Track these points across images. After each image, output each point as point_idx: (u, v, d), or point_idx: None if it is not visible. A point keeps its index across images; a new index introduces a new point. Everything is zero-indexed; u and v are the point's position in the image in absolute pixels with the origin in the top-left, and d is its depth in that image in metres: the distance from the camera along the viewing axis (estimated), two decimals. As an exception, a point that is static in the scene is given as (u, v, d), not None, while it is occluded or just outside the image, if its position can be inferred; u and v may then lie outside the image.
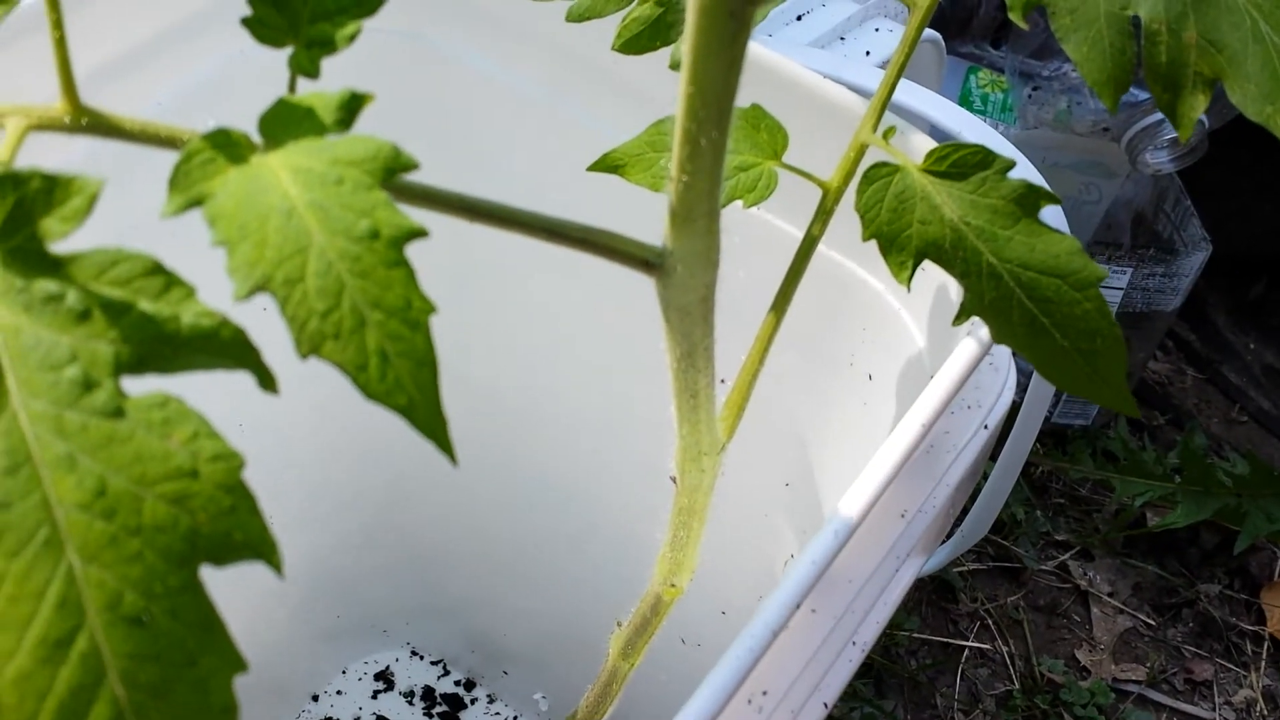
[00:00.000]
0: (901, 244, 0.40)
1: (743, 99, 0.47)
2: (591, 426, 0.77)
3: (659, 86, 0.60)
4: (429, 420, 0.27)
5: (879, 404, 0.58)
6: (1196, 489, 1.07)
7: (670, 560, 0.45)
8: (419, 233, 0.27)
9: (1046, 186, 0.70)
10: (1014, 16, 0.38)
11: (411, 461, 0.84)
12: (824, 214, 0.43)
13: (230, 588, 0.79)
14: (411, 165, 0.27)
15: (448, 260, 0.72)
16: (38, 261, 0.26)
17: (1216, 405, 1.23)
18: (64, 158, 0.52)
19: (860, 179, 0.41)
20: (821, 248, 0.58)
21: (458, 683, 0.92)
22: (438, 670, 0.92)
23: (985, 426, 0.50)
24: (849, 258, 0.57)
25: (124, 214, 0.43)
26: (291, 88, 0.31)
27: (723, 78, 0.28)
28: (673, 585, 0.45)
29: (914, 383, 0.55)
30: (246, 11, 0.31)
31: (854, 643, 0.46)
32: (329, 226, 0.26)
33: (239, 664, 0.25)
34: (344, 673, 0.91)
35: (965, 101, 1.09)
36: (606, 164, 0.46)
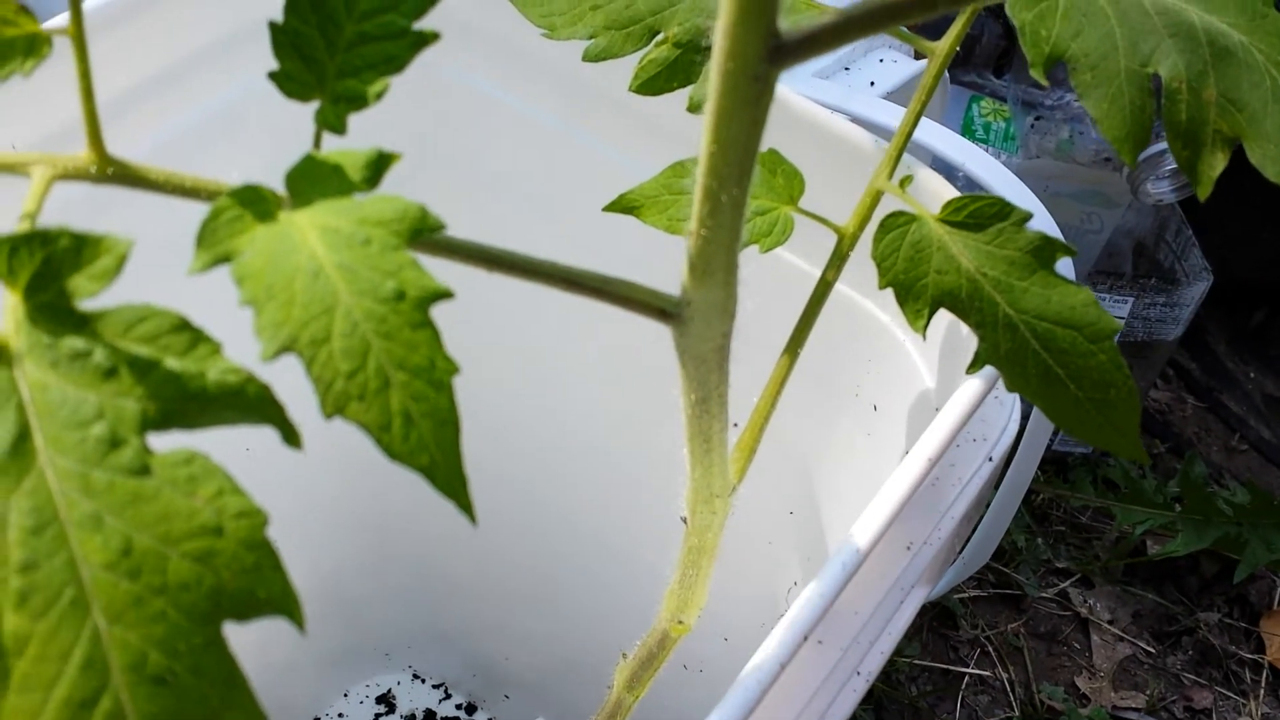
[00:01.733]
0: (918, 293, 0.40)
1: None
2: (597, 454, 0.77)
3: (673, 118, 0.61)
4: (450, 481, 0.27)
5: (884, 435, 0.58)
6: (1196, 517, 1.08)
7: (679, 597, 0.45)
8: (444, 294, 0.27)
9: (1053, 225, 0.70)
10: (1035, 73, 0.38)
11: (414, 488, 0.84)
12: (839, 259, 0.43)
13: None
14: (438, 227, 0.27)
15: (461, 289, 0.72)
16: (65, 318, 0.26)
17: (1217, 434, 1.23)
18: (63, 191, 0.52)
19: (877, 228, 0.41)
20: (807, 267, 0.58)
21: (459, 706, 0.92)
22: (439, 694, 0.92)
23: (990, 459, 0.50)
24: (855, 290, 0.57)
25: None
26: (316, 143, 0.31)
27: (745, 137, 0.28)
28: (680, 622, 0.46)
29: (919, 414, 0.55)
30: (256, 55, 0.32)
31: (859, 673, 0.47)
32: (356, 287, 0.27)
33: (260, 718, 0.25)
34: (345, 696, 0.91)
35: (968, 130, 1.09)
36: (623, 205, 0.46)
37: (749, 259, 0.44)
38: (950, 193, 0.48)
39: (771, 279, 0.53)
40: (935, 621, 1.07)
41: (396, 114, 0.67)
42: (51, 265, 0.26)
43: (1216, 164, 0.38)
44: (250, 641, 0.81)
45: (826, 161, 0.52)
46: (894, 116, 0.72)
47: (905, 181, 0.44)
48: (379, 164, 0.28)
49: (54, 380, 0.26)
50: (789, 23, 0.27)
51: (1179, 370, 1.27)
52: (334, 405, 0.26)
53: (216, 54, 0.60)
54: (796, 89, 0.54)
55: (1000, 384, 0.51)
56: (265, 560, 0.26)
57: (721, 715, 0.36)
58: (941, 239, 0.40)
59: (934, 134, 0.70)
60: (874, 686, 1.00)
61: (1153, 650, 1.07)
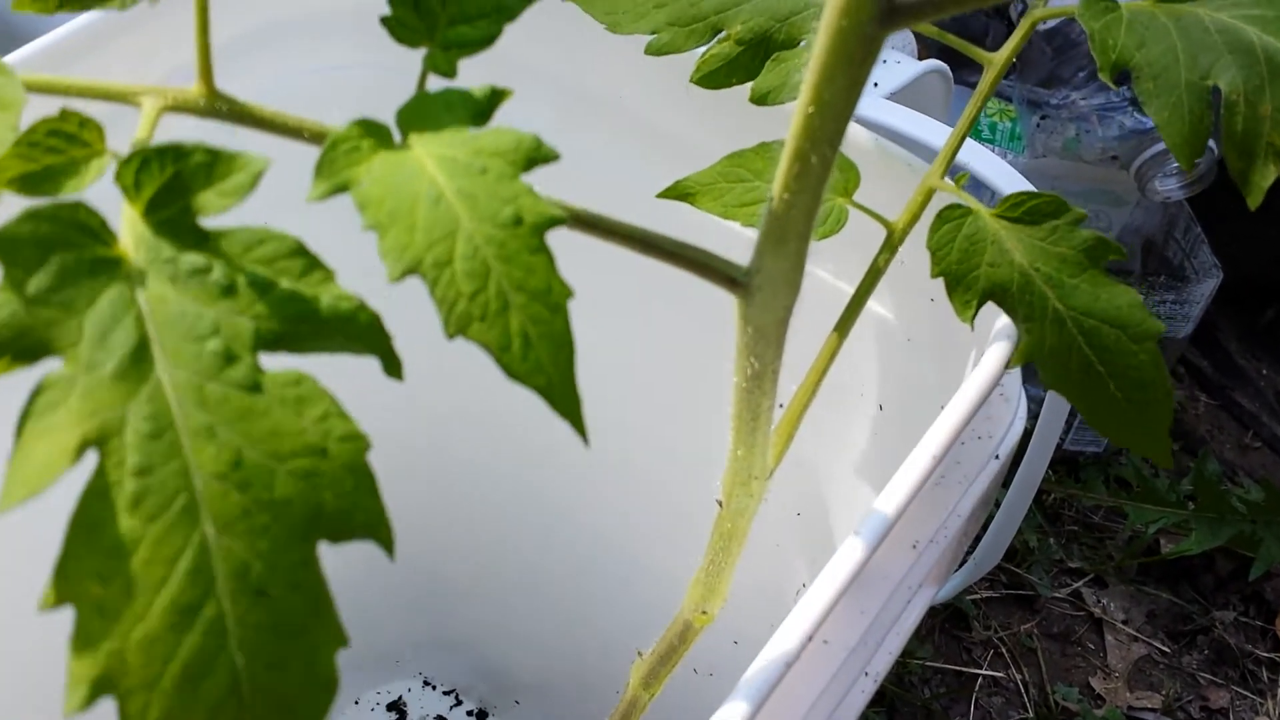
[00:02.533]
0: (969, 284, 0.42)
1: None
2: (606, 459, 0.77)
3: (665, 121, 0.61)
4: (565, 400, 0.28)
5: (890, 434, 0.58)
6: (1210, 516, 1.07)
7: (704, 585, 0.45)
8: (560, 220, 0.28)
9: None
10: (1104, 76, 0.40)
11: (424, 493, 0.84)
12: (889, 249, 0.45)
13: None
14: (553, 156, 0.28)
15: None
16: (187, 234, 0.27)
17: (1229, 431, 1.23)
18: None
19: (934, 218, 0.43)
20: (832, 280, 0.58)
21: (470, 713, 0.92)
22: (450, 700, 0.92)
23: (996, 457, 0.50)
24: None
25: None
26: (420, 86, 0.32)
27: (845, 97, 0.29)
28: (704, 612, 0.46)
29: (925, 413, 0.55)
30: (384, 11, 0.33)
31: (867, 673, 0.47)
32: (475, 213, 0.27)
33: (343, 639, 0.26)
34: (356, 703, 0.91)
35: (973, 130, 1.09)
36: (678, 191, 0.48)
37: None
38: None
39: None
40: (948, 623, 1.07)
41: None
42: (181, 180, 0.27)
43: (1269, 174, 0.40)
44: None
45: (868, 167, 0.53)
46: (898, 117, 0.72)
47: (961, 179, 0.45)
48: (492, 99, 0.30)
49: (173, 294, 0.26)
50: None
51: (1190, 368, 1.27)
52: (457, 325, 0.27)
53: (303, 27, 0.62)
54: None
55: (1005, 382, 0.51)
56: (364, 484, 0.26)
57: (727, 716, 0.36)
58: (996, 233, 0.42)
59: (939, 134, 0.70)
60: (886, 688, 1.00)
61: (1168, 650, 1.07)
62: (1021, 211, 0.42)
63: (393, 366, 0.27)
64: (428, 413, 0.80)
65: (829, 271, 0.58)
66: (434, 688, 0.92)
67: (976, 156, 0.72)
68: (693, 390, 0.68)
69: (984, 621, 1.07)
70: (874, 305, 0.57)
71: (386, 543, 0.27)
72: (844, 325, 0.44)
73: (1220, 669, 1.06)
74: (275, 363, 0.27)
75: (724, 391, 0.62)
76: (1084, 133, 1.02)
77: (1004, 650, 1.06)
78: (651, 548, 0.77)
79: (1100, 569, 1.11)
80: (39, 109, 0.29)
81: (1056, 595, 1.09)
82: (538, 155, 0.28)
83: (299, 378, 0.27)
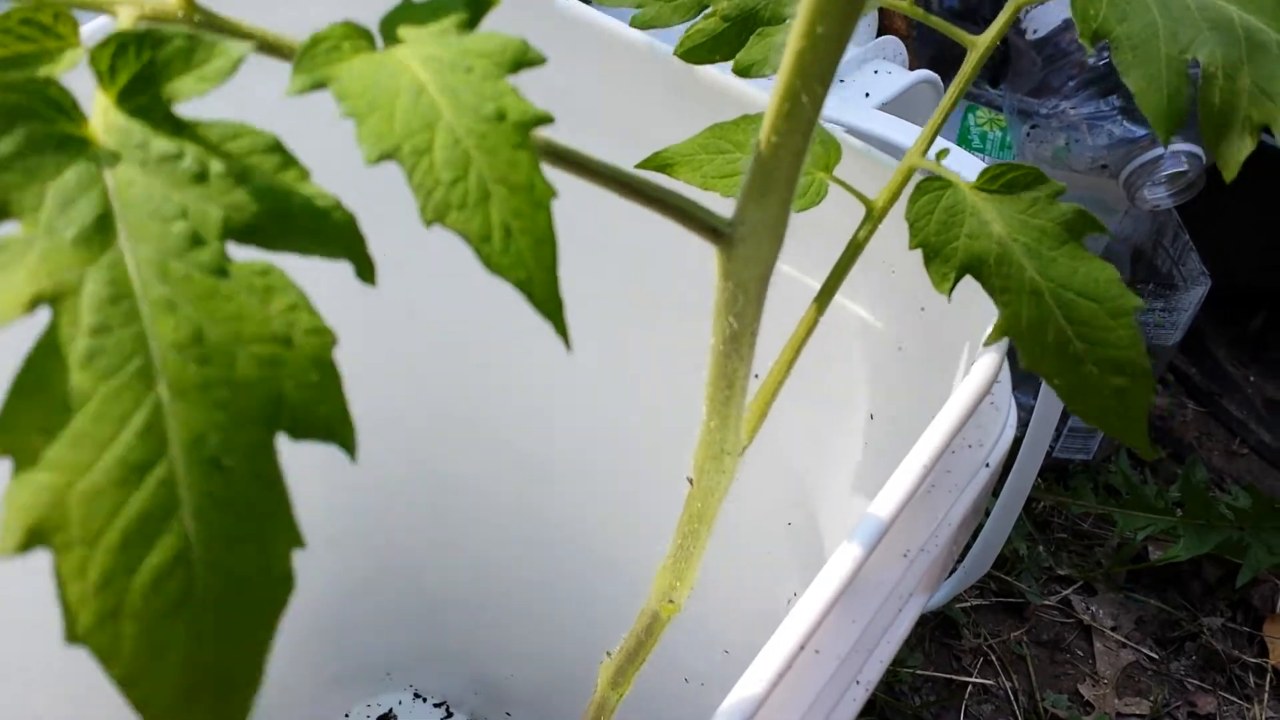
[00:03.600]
0: (946, 255, 0.41)
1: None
2: (595, 469, 0.77)
3: (644, 116, 0.61)
4: (546, 297, 0.27)
5: (881, 443, 0.58)
6: (1198, 522, 1.07)
7: (671, 572, 0.44)
8: (545, 119, 0.28)
9: None
10: (1083, 40, 0.40)
11: (414, 505, 0.84)
12: (871, 222, 0.45)
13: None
14: (539, 60, 0.28)
15: (456, 314, 0.72)
16: (162, 121, 0.27)
17: (1217, 438, 1.23)
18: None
19: (913, 190, 0.43)
20: (805, 279, 0.58)
21: (461, 724, 0.92)
22: (441, 713, 0.92)
23: (987, 465, 0.50)
24: (851, 299, 0.57)
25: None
26: None
27: (838, 31, 0.29)
28: (671, 601, 0.45)
29: (915, 422, 0.55)
30: None
31: (858, 682, 0.47)
32: (457, 106, 0.27)
33: (299, 540, 0.25)
34: (347, 716, 0.91)
35: (964, 140, 1.10)
36: (657, 162, 0.48)
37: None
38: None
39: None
40: (938, 631, 1.07)
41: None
42: (157, 65, 0.27)
43: (1244, 148, 0.40)
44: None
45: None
46: (889, 127, 0.73)
47: (942, 154, 0.45)
48: (478, 6, 0.29)
49: (140, 177, 0.26)
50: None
51: (1179, 375, 1.27)
52: (435, 212, 0.27)
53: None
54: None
55: (995, 391, 0.51)
56: (328, 380, 0.26)
57: (719, 726, 0.36)
58: (975, 205, 0.42)
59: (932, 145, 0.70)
60: (877, 697, 1.00)
61: (1156, 656, 1.07)
62: (1000, 184, 0.42)
63: (365, 269, 0.27)
64: (416, 425, 0.80)
65: (799, 268, 0.58)
66: (425, 700, 0.92)
67: (967, 167, 0.72)
68: (689, 403, 0.68)
69: (974, 629, 1.07)
70: (864, 314, 0.57)
71: (348, 444, 0.26)
72: (822, 300, 0.44)
73: (1208, 675, 1.06)
74: (244, 255, 0.27)
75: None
76: (1074, 141, 1.02)
77: (994, 658, 1.06)
78: (644, 559, 0.77)
79: (1089, 576, 1.11)
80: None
81: (1046, 603, 1.09)
82: (524, 58, 0.28)
83: (266, 268, 0.26)
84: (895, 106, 0.82)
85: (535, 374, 0.74)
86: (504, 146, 0.27)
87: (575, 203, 0.51)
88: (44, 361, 0.24)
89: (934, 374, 0.54)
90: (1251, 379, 1.26)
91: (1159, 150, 0.99)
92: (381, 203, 0.62)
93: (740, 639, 0.70)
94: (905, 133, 0.74)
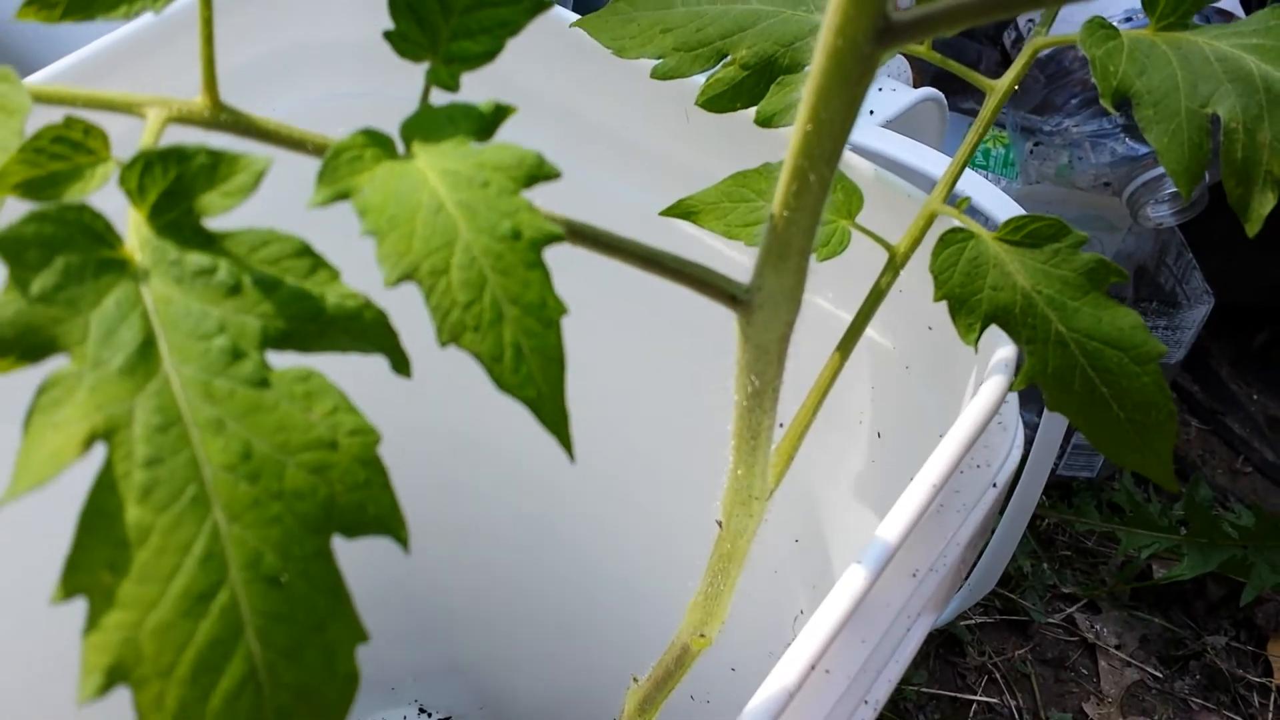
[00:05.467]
0: (972, 307, 0.42)
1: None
2: (605, 484, 0.77)
3: (667, 147, 0.61)
4: (554, 415, 0.28)
5: (888, 462, 0.58)
6: (1202, 541, 1.07)
7: (703, 609, 0.45)
8: (558, 236, 0.28)
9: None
10: (1105, 103, 0.41)
11: (421, 519, 0.84)
12: (892, 270, 0.45)
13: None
14: (554, 174, 0.29)
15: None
16: (192, 236, 0.28)
17: (1221, 456, 1.23)
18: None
19: (937, 242, 0.43)
20: (830, 307, 0.58)
21: (466, 740, 0.91)
22: (446, 727, 0.92)
23: (994, 485, 0.50)
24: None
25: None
26: (424, 100, 0.32)
27: (842, 117, 0.29)
28: (702, 635, 0.46)
29: (923, 441, 0.55)
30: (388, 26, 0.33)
31: (866, 702, 0.47)
32: (475, 224, 0.28)
33: (362, 634, 0.26)
34: (352, 730, 0.90)
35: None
36: (682, 209, 0.48)
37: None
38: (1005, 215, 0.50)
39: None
40: (942, 649, 1.06)
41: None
42: (184, 182, 0.28)
43: (1267, 202, 0.41)
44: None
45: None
46: (895, 146, 0.73)
47: (962, 203, 0.45)
48: (495, 115, 0.30)
49: (178, 294, 0.27)
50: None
51: (1182, 393, 1.27)
52: (450, 333, 0.27)
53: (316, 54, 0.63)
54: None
55: (1002, 411, 0.51)
56: (376, 478, 0.27)
57: (730, 746, 0.36)
58: (999, 256, 0.42)
59: (935, 161, 0.70)
60: (882, 715, 0.99)
61: (1160, 675, 1.07)
62: (1023, 235, 0.43)
63: (400, 363, 0.28)
64: (425, 440, 0.80)
65: (829, 300, 0.58)
66: (430, 715, 0.92)
67: (972, 184, 0.72)
68: (693, 414, 0.68)
69: (978, 647, 1.07)
70: (872, 333, 0.57)
71: (401, 537, 0.27)
72: (846, 345, 0.45)
73: (1212, 694, 1.06)
74: (283, 360, 0.27)
75: (726, 414, 0.62)
76: (1077, 159, 1.03)
77: (998, 676, 1.06)
78: (651, 573, 0.77)
79: (1093, 594, 1.11)
80: (47, 119, 0.30)
81: (1050, 621, 1.09)
82: (539, 172, 0.29)
83: (307, 374, 0.27)
84: (900, 124, 0.83)
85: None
86: (518, 266, 0.28)
87: (579, 214, 0.51)
88: (104, 497, 0.25)
89: (941, 393, 0.54)
90: (1255, 397, 1.26)
91: (1162, 168, 0.99)
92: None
93: (746, 656, 0.70)
94: (911, 151, 0.74)
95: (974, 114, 1.12)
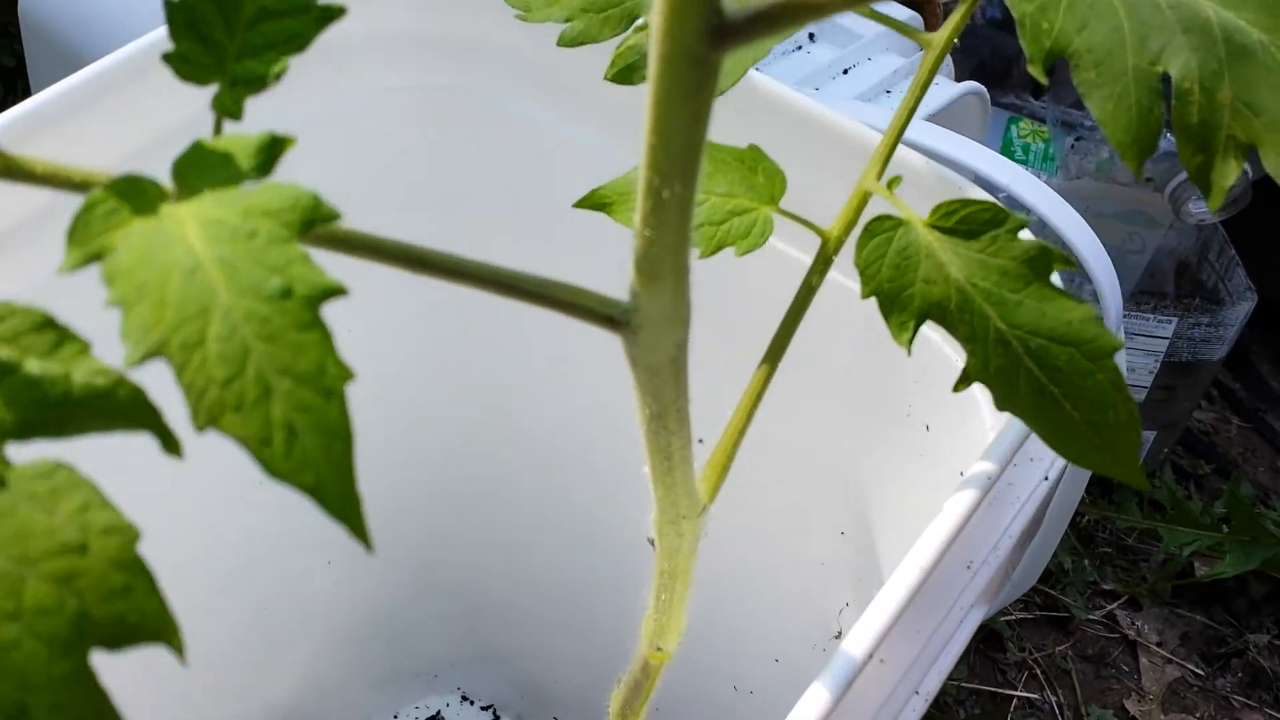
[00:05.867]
0: (903, 303, 0.37)
1: (744, 135, 0.44)
2: (635, 474, 0.77)
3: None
4: (340, 501, 0.24)
5: (936, 455, 0.58)
6: (1244, 538, 1.06)
7: (655, 623, 0.43)
8: (337, 290, 0.24)
9: (1097, 244, 0.69)
10: (1034, 69, 0.35)
11: (462, 509, 0.85)
12: (823, 263, 0.40)
13: (286, 635, 0.79)
14: (332, 216, 0.25)
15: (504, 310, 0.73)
16: None
17: (1262, 454, 1.22)
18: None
19: (861, 232, 0.38)
20: (848, 282, 0.58)
21: (507, 728, 0.92)
22: (488, 716, 0.92)
23: (1046, 478, 0.50)
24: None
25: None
26: (216, 131, 0.28)
27: (687, 129, 0.25)
28: (659, 649, 0.43)
29: (972, 435, 0.55)
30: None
31: (918, 692, 0.47)
32: (236, 285, 0.24)
33: None
34: (395, 717, 0.91)
35: (1006, 151, 1.09)
36: (593, 201, 0.44)
37: (729, 262, 0.41)
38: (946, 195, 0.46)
39: (766, 279, 0.51)
40: (983, 644, 1.06)
41: (434, 136, 0.68)
42: None
43: (1229, 172, 0.34)
44: (301, 666, 0.82)
45: (819, 158, 0.51)
46: (937, 139, 0.73)
47: (894, 182, 0.39)
48: (271, 148, 0.26)
49: None
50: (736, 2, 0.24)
51: (1223, 391, 1.26)
52: (206, 416, 0.23)
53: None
54: (837, 109, 0.55)
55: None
56: (136, 581, 0.22)
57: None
58: (930, 246, 0.37)
59: (977, 155, 0.70)
60: (921, 709, 0.99)
61: (1202, 673, 1.06)
62: (955, 221, 0.37)
63: (169, 443, 0.24)
64: (460, 425, 0.80)
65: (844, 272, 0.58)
66: (472, 703, 0.92)
67: (1015, 179, 0.72)
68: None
69: (1019, 643, 1.07)
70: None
71: (174, 644, 0.23)
72: (775, 352, 0.40)
73: (1254, 692, 1.05)
74: (26, 453, 0.23)
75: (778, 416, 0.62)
76: (1117, 155, 1.02)
77: (1039, 672, 1.05)
78: (698, 568, 0.77)
79: (1134, 591, 1.10)
80: None
81: (1091, 617, 1.09)
82: (316, 215, 0.24)
83: (52, 468, 0.23)
84: (942, 118, 0.83)
85: (582, 373, 0.74)
86: (289, 329, 0.23)
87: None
88: None
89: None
90: (1293, 395, 1.25)
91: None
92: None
93: (790, 647, 0.70)
94: (954, 145, 0.74)
95: (1014, 108, 1.11)
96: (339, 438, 0.23)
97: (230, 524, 0.70)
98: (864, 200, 0.40)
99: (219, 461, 0.55)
